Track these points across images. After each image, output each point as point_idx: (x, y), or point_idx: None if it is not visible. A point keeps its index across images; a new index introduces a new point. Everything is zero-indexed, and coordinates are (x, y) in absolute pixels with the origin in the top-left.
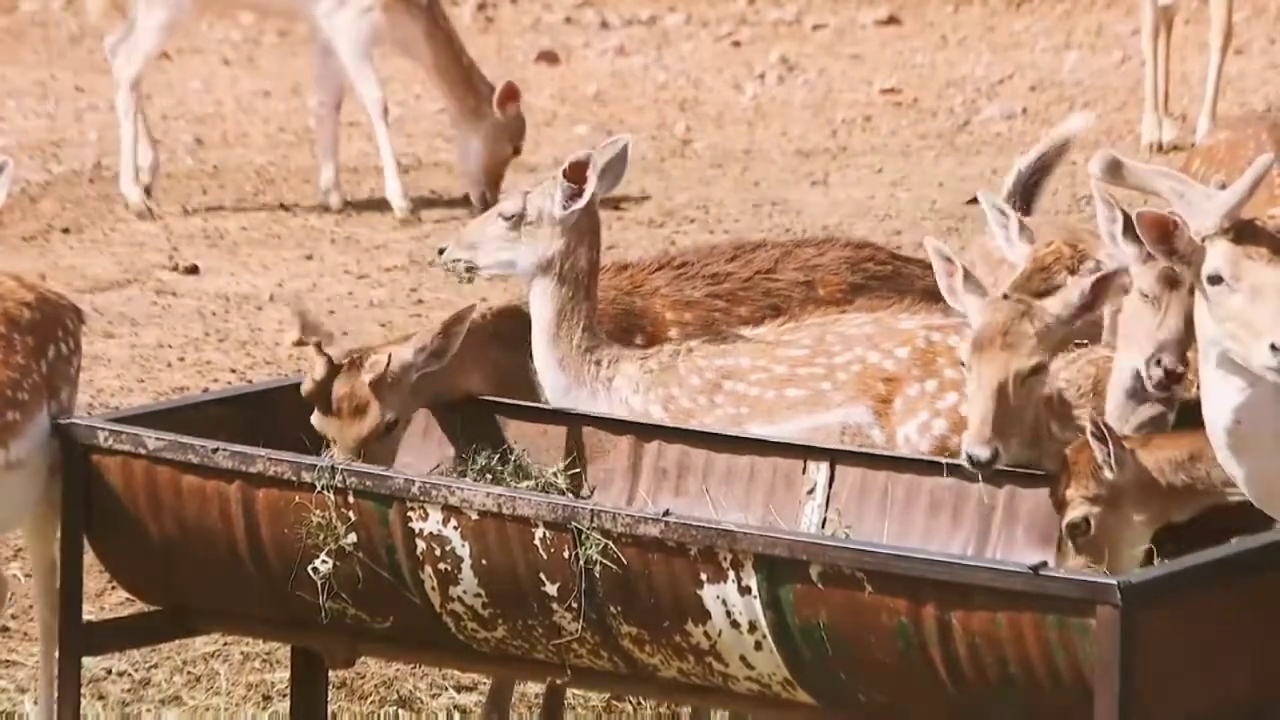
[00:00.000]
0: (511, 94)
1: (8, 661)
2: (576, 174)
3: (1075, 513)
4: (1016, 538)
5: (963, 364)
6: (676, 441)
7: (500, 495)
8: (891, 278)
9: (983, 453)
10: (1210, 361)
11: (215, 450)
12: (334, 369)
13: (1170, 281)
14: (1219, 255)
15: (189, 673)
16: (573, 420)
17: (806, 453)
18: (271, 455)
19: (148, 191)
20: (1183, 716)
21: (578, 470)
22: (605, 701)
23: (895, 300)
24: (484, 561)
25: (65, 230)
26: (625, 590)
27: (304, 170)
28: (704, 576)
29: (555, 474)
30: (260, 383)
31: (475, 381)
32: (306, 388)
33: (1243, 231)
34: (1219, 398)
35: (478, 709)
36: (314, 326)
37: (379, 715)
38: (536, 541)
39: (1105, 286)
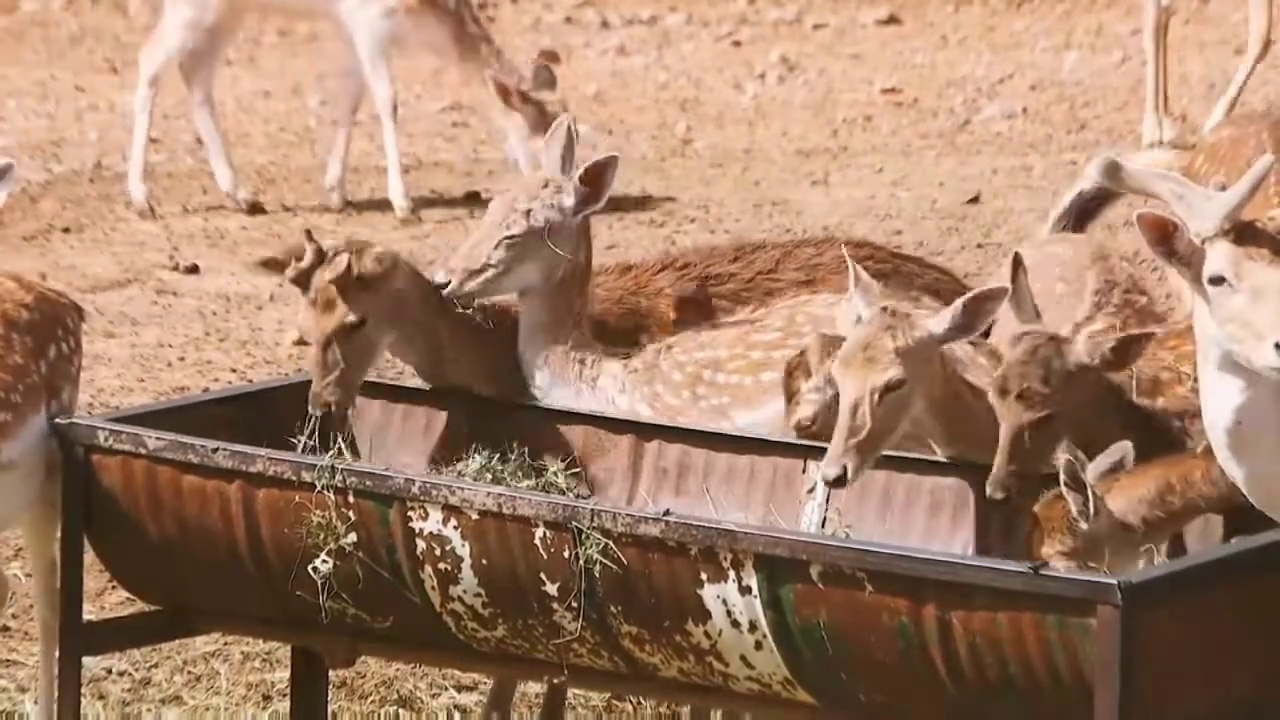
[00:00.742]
0: (502, 91)
1: (8, 661)
2: (593, 177)
3: (1059, 568)
4: (1017, 538)
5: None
6: (676, 441)
7: (500, 495)
8: (892, 276)
9: (830, 471)
10: (1210, 363)
11: (215, 450)
12: (320, 257)
13: None
14: (1220, 256)
15: (189, 672)
16: (573, 420)
17: (807, 453)
18: (271, 455)
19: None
20: (1183, 716)
21: (578, 470)
22: (606, 701)
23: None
24: (484, 561)
25: (65, 230)
26: (625, 590)
27: (304, 170)
28: (704, 576)
29: (555, 474)
30: (260, 383)
31: (463, 369)
32: (289, 273)
33: (1243, 232)
34: (1219, 399)
35: (478, 709)
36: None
37: (379, 715)
38: (537, 541)
39: (979, 307)
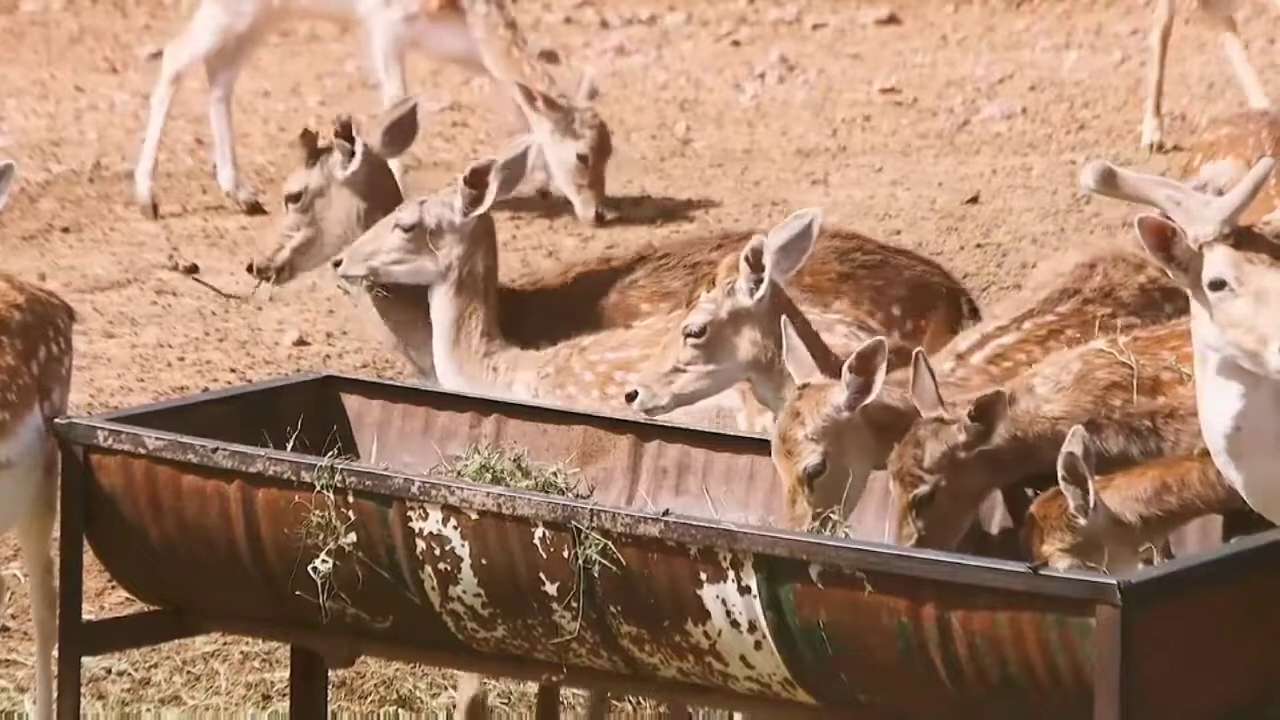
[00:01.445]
0: (526, 95)
1: (8, 661)
2: (477, 180)
3: (1058, 567)
4: (1017, 538)
5: None
6: (676, 441)
7: (500, 495)
8: (879, 267)
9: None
10: (1209, 368)
11: (215, 450)
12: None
13: None
14: (1220, 260)
15: (189, 672)
16: (573, 420)
17: None
18: (271, 455)
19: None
20: (1182, 716)
21: (577, 470)
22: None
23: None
24: (484, 561)
25: (65, 230)
26: (625, 590)
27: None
28: (704, 576)
29: (555, 474)
30: (260, 383)
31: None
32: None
33: (1242, 237)
34: (1218, 404)
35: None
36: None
37: (379, 715)
38: (536, 541)
39: (866, 365)
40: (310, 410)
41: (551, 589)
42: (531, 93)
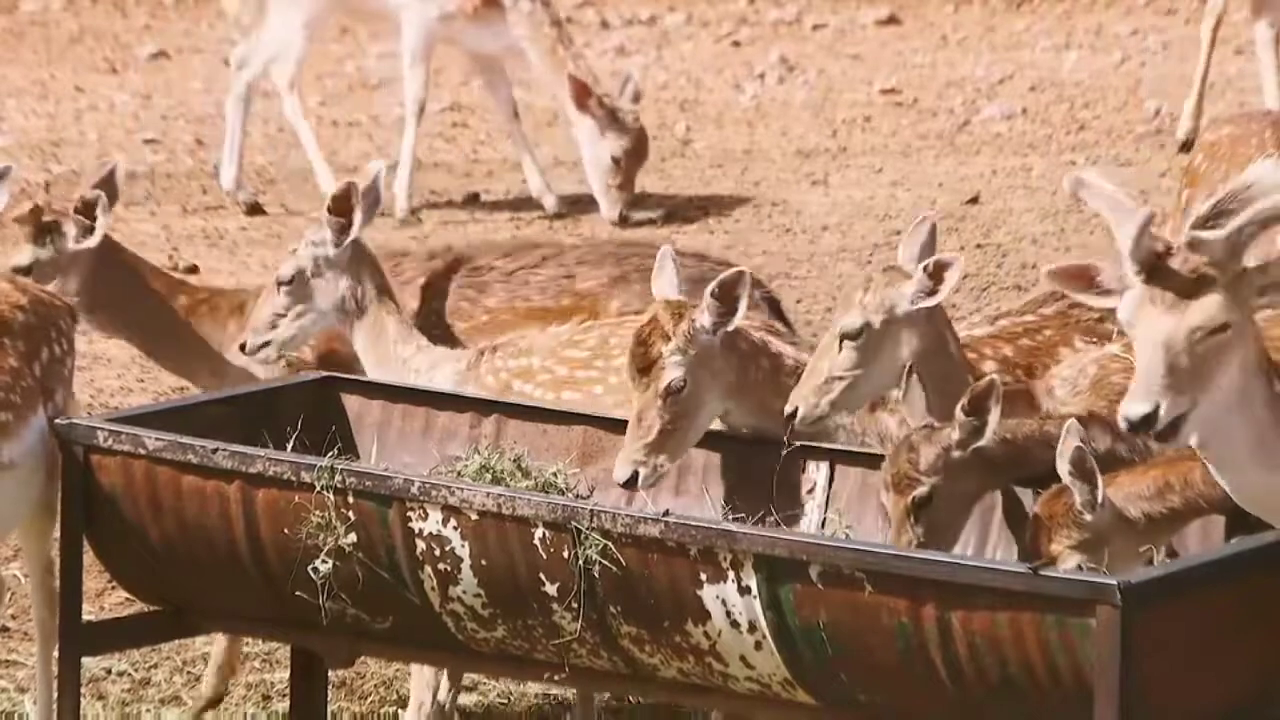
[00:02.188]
0: (581, 90)
1: (8, 661)
2: (341, 207)
3: (1067, 565)
4: (1020, 538)
5: None
6: None
7: (500, 495)
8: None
9: (621, 473)
10: None
11: (215, 450)
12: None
13: None
14: (1127, 298)
15: (189, 673)
16: (573, 420)
17: (807, 453)
18: (271, 455)
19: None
20: (1183, 716)
21: (578, 470)
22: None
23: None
24: (484, 561)
25: None
26: (625, 590)
27: (304, 170)
28: (704, 576)
29: (555, 474)
30: (260, 383)
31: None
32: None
33: (1154, 273)
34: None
35: (478, 709)
36: None
37: (379, 715)
38: (536, 541)
39: (729, 291)
40: (310, 410)
41: (552, 589)
42: (587, 90)
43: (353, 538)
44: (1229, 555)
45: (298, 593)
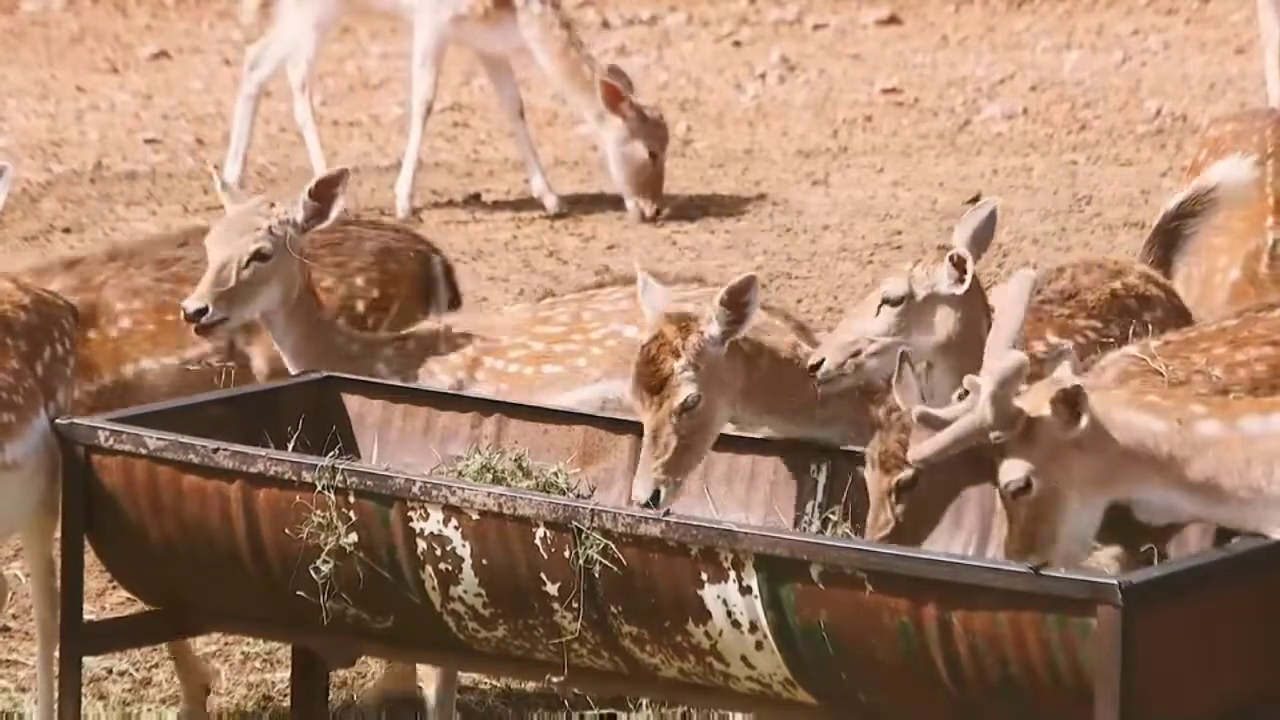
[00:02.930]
0: (612, 93)
1: (8, 661)
2: (323, 192)
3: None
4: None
5: None
6: None
7: (501, 495)
8: (339, 244)
9: (641, 494)
10: None
11: (216, 450)
12: None
13: None
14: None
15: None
16: (573, 420)
17: (807, 453)
18: (272, 455)
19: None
20: (1183, 716)
21: (579, 470)
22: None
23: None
24: (484, 561)
25: (66, 230)
26: (626, 590)
27: (305, 170)
28: (705, 576)
29: (555, 474)
30: (260, 383)
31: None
32: None
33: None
34: None
35: (478, 709)
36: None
37: (379, 715)
38: (537, 541)
39: (736, 299)
40: (311, 410)
41: (552, 589)
42: (618, 93)
43: (354, 537)
44: (1229, 555)
45: (298, 593)
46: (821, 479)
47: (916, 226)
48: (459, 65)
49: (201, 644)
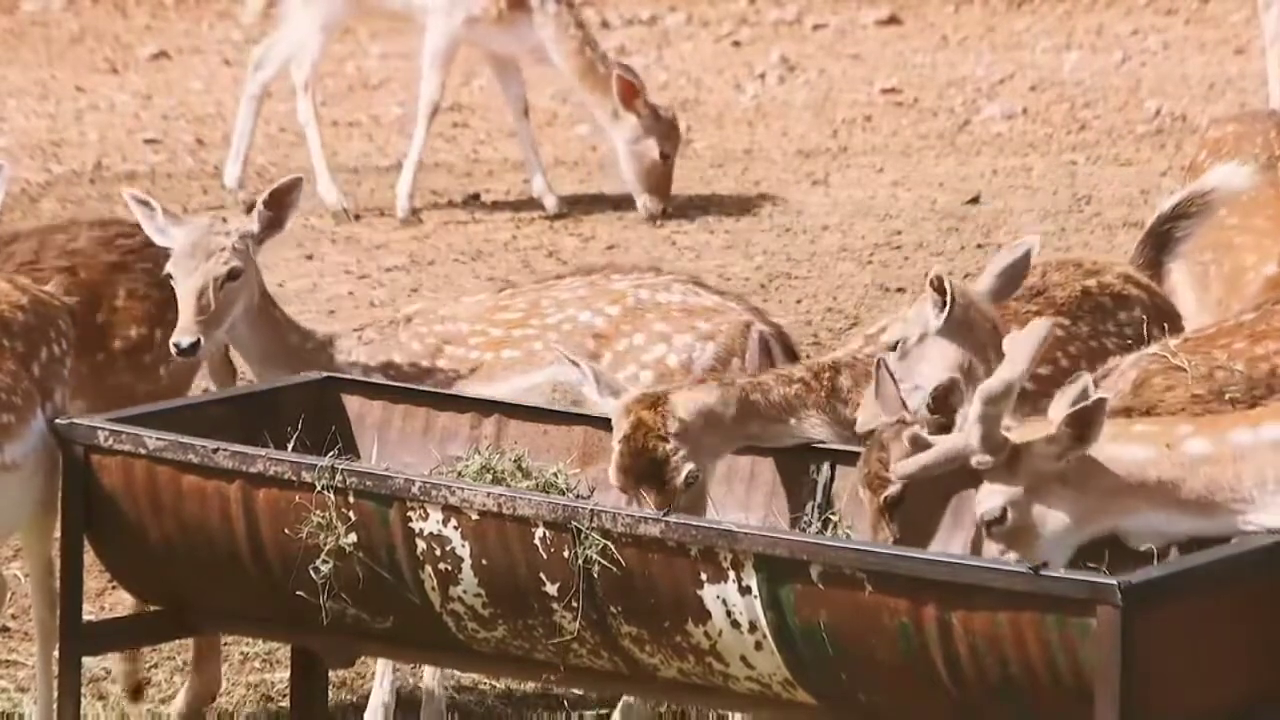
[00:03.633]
0: (628, 90)
1: (8, 661)
2: (277, 201)
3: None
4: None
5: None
6: None
7: (500, 495)
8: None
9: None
10: None
11: (215, 450)
12: None
13: None
14: None
15: (189, 673)
16: (573, 420)
17: (807, 453)
18: (271, 455)
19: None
20: (1183, 716)
21: (578, 471)
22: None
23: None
24: (484, 561)
25: None
26: (625, 590)
27: (304, 170)
28: (704, 576)
29: (556, 474)
30: (260, 383)
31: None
32: None
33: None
34: None
35: (478, 709)
36: None
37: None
38: (536, 541)
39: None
40: (310, 410)
41: (552, 589)
42: (634, 90)
43: (353, 538)
44: (1229, 555)
45: (298, 593)
46: (821, 479)
47: (916, 226)
48: (459, 65)
49: None
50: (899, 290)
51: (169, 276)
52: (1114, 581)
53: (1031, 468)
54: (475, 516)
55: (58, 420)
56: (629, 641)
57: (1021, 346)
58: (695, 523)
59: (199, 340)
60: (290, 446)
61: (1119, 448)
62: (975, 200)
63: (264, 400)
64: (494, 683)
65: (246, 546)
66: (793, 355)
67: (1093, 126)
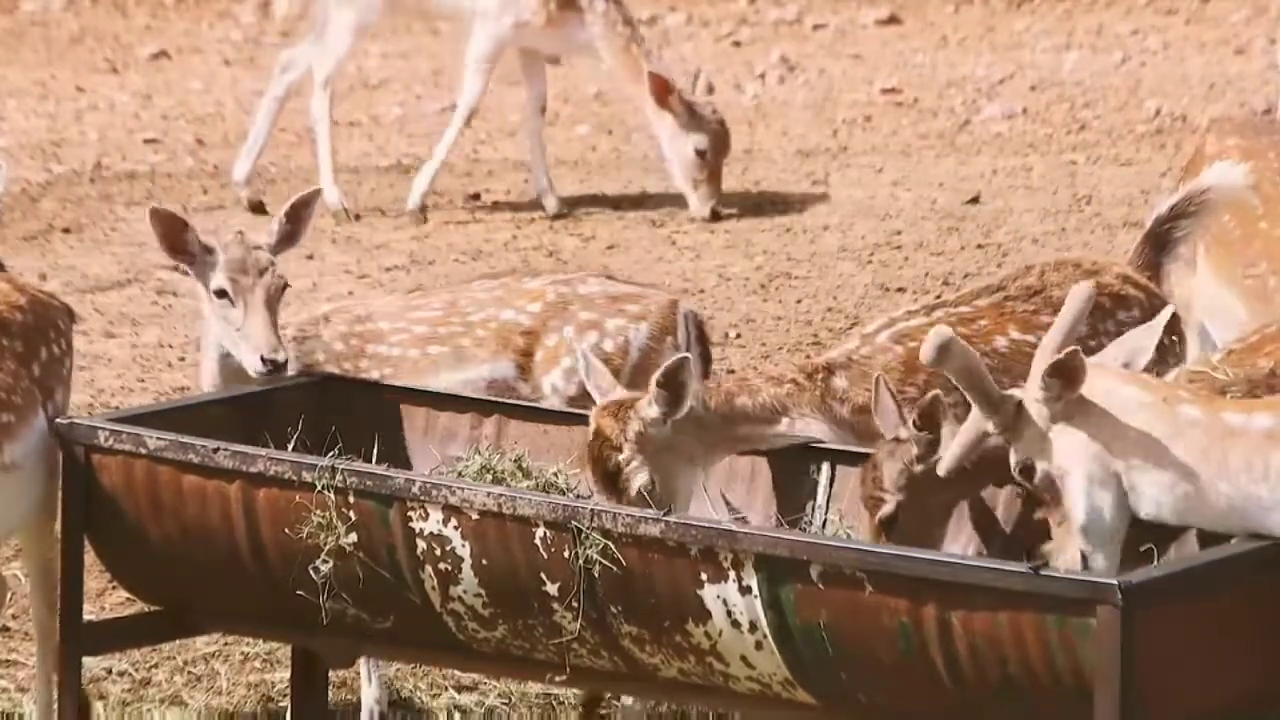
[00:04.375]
0: (662, 87)
1: (8, 661)
2: (295, 215)
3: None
4: (1017, 538)
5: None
6: None
7: (500, 495)
8: None
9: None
10: None
11: (216, 450)
12: None
13: None
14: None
15: (189, 673)
16: (573, 420)
17: (807, 453)
18: (272, 455)
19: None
20: (1183, 716)
21: (578, 470)
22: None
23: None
24: (484, 561)
25: (65, 230)
26: (625, 590)
27: (304, 170)
28: (704, 576)
29: (556, 474)
30: (260, 383)
31: None
32: None
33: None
34: None
35: (478, 709)
36: None
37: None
38: (537, 541)
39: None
40: (311, 410)
41: (552, 589)
42: (668, 86)
43: (353, 537)
44: (1229, 555)
45: (298, 593)
46: (821, 479)
47: (916, 226)
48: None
49: (202, 644)
50: (899, 290)
51: (222, 293)
52: (1114, 581)
53: (1034, 417)
54: (475, 516)
55: (58, 420)
56: (629, 641)
57: (1065, 313)
58: (695, 522)
59: (289, 357)
60: (290, 446)
61: (1121, 384)
62: (975, 200)
63: (264, 400)
64: (494, 683)
65: (247, 546)
66: (708, 343)
67: (1093, 126)
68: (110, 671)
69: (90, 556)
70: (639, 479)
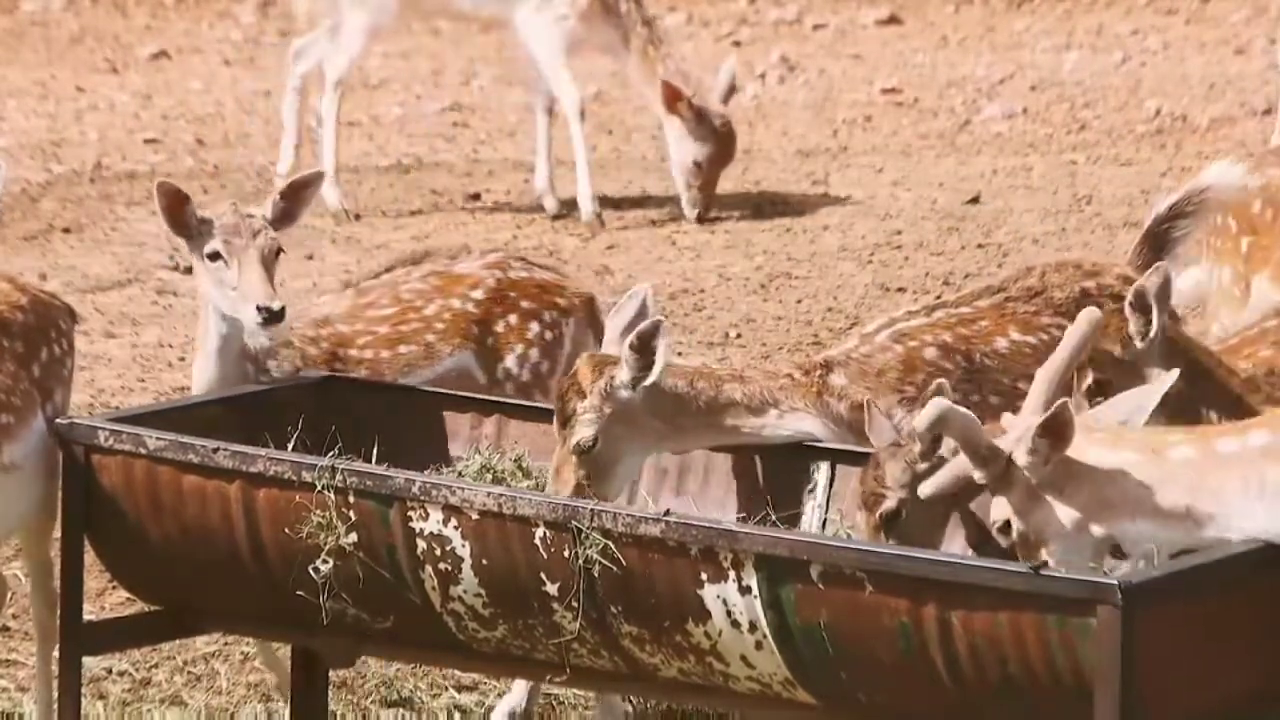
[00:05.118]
0: (671, 93)
1: (8, 661)
2: (293, 194)
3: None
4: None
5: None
6: None
7: (500, 495)
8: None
9: None
10: None
11: (216, 450)
12: None
13: None
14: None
15: (189, 673)
16: None
17: (807, 453)
18: (272, 455)
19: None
20: (1182, 716)
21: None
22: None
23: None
24: (484, 561)
25: (66, 230)
26: (626, 590)
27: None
28: (704, 576)
29: None
30: (261, 383)
31: None
32: None
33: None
34: None
35: (478, 709)
36: None
37: (379, 715)
38: (537, 541)
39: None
40: (311, 410)
41: (552, 589)
42: (678, 93)
43: (353, 537)
44: (1229, 555)
45: (298, 593)
46: (821, 479)
47: (916, 226)
48: (458, 66)
49: (202, 644)
50: (899, 290)
51: (215, 255)
52: (1114, 581)
53: (1022, 476)
54: (475, 516)
55: (58, 420)
56: (629, 641)
57: (1070, 336)
58: (695, 522)
59: (284, 305)
60: (290, 446)
61: (1108, 452)
62: (975, 200)
63: (264, 400)
64: (494, 683)
65: (247, 546)
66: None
67: (1093, 126)
68: (110, 671)
69: (90, 556)
70: (582, 432)
